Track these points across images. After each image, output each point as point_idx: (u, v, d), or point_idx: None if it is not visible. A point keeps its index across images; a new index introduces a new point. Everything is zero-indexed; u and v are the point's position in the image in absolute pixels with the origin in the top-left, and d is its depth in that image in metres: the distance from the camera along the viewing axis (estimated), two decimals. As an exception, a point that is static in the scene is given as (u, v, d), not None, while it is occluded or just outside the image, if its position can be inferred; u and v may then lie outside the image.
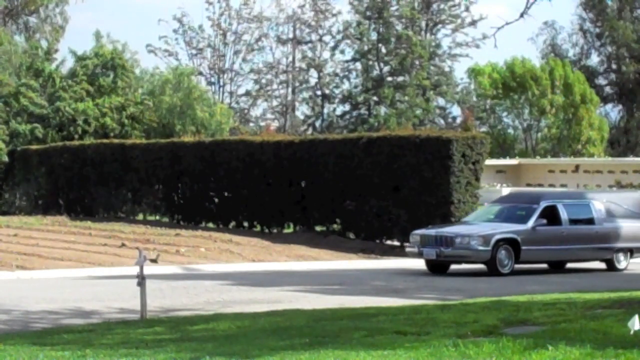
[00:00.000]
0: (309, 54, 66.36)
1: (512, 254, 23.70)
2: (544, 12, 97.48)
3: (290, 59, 66.81)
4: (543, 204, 24.54)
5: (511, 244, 23.71)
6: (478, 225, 24.68)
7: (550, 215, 24.46)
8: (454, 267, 24.53)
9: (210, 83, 65.17)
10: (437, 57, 66.03)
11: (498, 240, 23.56)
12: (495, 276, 23.00)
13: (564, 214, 24.60)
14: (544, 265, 25.38)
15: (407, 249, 25.32)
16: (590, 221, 25.06)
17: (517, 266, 24.03)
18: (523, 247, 23.78)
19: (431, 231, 24.65)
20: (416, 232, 24.88)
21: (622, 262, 25.31)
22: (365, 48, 65.22)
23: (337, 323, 13.38)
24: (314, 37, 66.39)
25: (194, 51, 64.88)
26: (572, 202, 25.31)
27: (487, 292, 19.17)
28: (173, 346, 11.42)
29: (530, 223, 24.12)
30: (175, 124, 48.90)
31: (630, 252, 25.52)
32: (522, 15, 16.87)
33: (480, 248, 23.41)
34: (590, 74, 70.96)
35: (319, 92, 66.77)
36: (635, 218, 25.65)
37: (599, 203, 25.24)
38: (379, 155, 30.87)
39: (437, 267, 24.31)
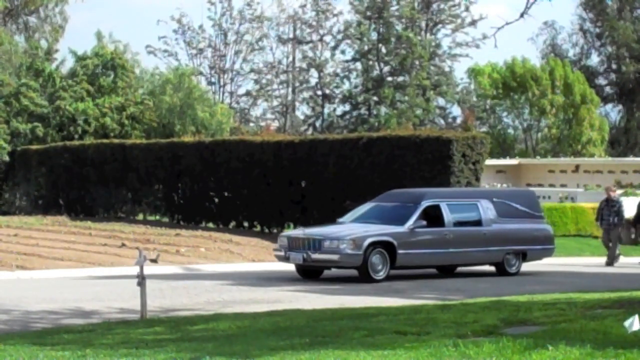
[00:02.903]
0: (310, 54, 66.44)
1: (387, 258, 21.71)
2: (544, 12, 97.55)
3: (291, 58, 66.88)
4: (424, 204, 22.68)
5: (386, 247, 21.73)
6: (351, 227, 22.58)
7: (433, 216, 22.66)
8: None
9: (210, 83, 65.26)
10: (437, 57, 66.06)
11: (371, 244, 21.57)
12: (367, 283, 21.19)
13: (447, 215, 22.79)
14: (432, 270, 23.68)
15: (275, 253, 23.14)
16: (477, 222, 23.31)
17: (426, 271, 22.64)
18: (399, 251, 21.81)
19: (299, 233, 22.87)
20: (284, 234, 23.25)
21: (514, 266, 23.66)
22: (366, 48, 65.25)
23: (337, 323, 13.38)
24: (314, 37, 66.48)
25: (194, 51, 64.93)
26: (457, 202, 23.45)
27: (487, 292, 19.16)
28: (173, 346, 11.42)
29: (409, 224, 22.18)
30: (175, 124, 48.92)
31: (523, 255, 23.87)
32: (522, 15, 16.85)
33: (351, 252, 21.38)
34: (590, 74, 70.98)
35: (319, 92, 66.82)
36: (529, 218, 24.13)
37: (488, 203, 23.52)
38: (379, 155, 30.87)
39: (309, 273, 22.45)
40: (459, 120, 65.21)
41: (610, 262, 27.60)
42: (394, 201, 23.50)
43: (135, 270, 15.89)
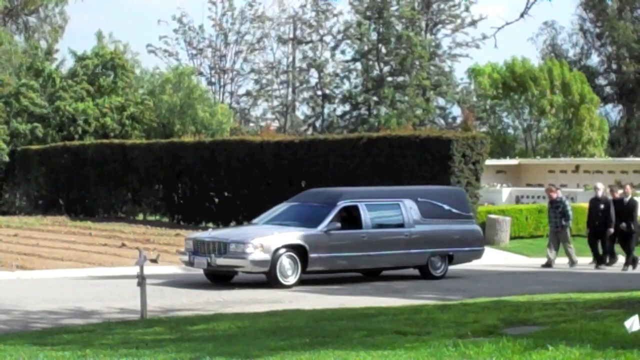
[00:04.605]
0: (310, 54, 66.44)
1: (298, 262, 20.53)
2: (544, 12, 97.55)
3: (291, 59, 66.88)
4: (340, 205, 21.54)
5: (298, 250, 20.57)
6: (261, 229, 21.36)
7: (350, 217, 21.60)
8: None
9: (210, 83, 65.26)
10: (437, 57, 66.07)
11: (280, 247, 20.42)
12: (276, 288, 20.02)
13: (366, 216, 21.61)
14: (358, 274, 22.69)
15: (180, 257, 21.96)
16: (399, 223, 22.17)
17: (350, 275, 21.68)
18: (312, 255, 20.67)
19: (205, 235, 21.63)
20: (190, 236, 22.03)
21: (439, 269, 22.61)
22: (366, 48, 65.26)
23: (337, 323, 13.38)
24: (314, 37, 66.47)
25: (194, 51, 64.94)
26: (378, 202, 22.23)
27: (487, 292, 19.16)
28: (173, 346, 11.42)
29: (322, 226, 21.02)
30: (175, 124, 48.92)
31: (449, 257, 22.79)
32: (522, 15, 16.86)
33: (257, 256, 20.23)
34: (591, 74, 70.97)
35: (319, 92, 66.83)
36: (456, 219, 23.02)
37: (411, 203, 22.36)
38: (379, 155, 30.87)
39: (218, 277, 21.16)
40: (459, 120, 65.19)
41: (572, 263, 26.67)
42: (310, 201, 22.35)
43: (135, 270, 15.89)
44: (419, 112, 63.56)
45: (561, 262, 27.21)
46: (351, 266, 21.87)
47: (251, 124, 66.10)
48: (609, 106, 75.45)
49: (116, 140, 42.10)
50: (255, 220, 22.99)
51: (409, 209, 22.29)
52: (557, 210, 26.63)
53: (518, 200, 40.38)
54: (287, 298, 18.52)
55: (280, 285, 20.24)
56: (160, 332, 13.30)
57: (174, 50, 64.29)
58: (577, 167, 48.56)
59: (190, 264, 21.05)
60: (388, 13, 64.34)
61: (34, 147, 44.13)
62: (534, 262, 27.83)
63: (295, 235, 20.85)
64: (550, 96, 63.28)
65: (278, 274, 20.36)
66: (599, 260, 26.58)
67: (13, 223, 34.50)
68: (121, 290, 19.21)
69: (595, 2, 73.85)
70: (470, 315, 13.71)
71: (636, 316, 10.12)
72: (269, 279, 20.46)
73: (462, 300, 17.39)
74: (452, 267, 23.30)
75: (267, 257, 20.29)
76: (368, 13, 64.77)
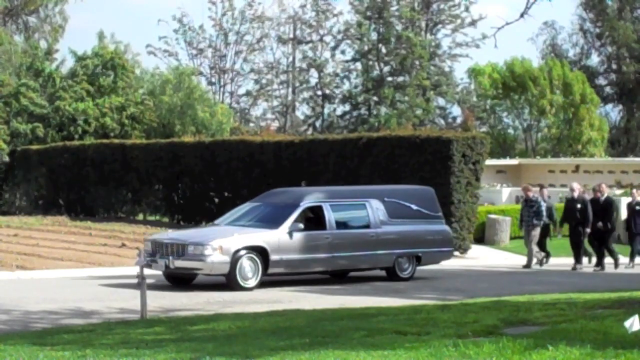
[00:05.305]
0: (310, 54, 66.42)
1: (259, 264, 20.06)
2: (544, 12, 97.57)
3: (291, 59, 66.86)
4: (303, 205, 21.09)
5: (258, 252, 20.11)
6: (221, 230, 20.94)
7: (314, 217, 21.16)
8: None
9: (210, 83, 65.23)
10: (437, 57, 66.04)
11: (240, 249, 19.92)
12: (237, 291, 19.57)
13: (330, 217, 21.10)
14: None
15: (137, 259, 22.52)
16: (365, 224, 21.66)
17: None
18: (273, 257, 20.20)
19: (164, 236, 21.19)
20: (149, 238, 21.52)
21: (406, 270, 22.11)
22: (366, 48, 65.24)
23: (338, 323, 13.38)
24: (314, 37, 66.47)
25: (194, 51, 64.93)
26: (343, 203, 21.73)
27: (487, 292, 19.17)
28: (173, 346, 11.42)
29: (284, 227, 20.50)
30: (175, 124, 48.91)
31: (417, 258, 22.29)
32: (522, 15, 16.86)
33: (216, 258, 19.70)
34: (591, 74, 70.95)
35: (319, 92, 66.81)
36: (425, 219, 22.52)
37: (378, 203, 21.85)
38: (379, 156, 30.87)
39: (178, 279, 20.69)
40: (459, 120, 65.18)
41: (528, 265, 26.30)
42: (273, 201, 21.86)
43: (135, 270, 15.89)
44: (419, 112, 63.54)
45: (561, 262, 27.20)
46: (315, 268, 21.31)
47: (251, 124, 66.08)
48: (609, 106, 75.47)
49: (116, 140, 42.11)
50: (217, 221, 22.62)
51: (376, 209, 21.78)
52: (531, 209, 26.65)
53: (518, 200, 40.32)
54: (287, 298, 18.53)
55: (240, 288, 19.74)
56: (160, 332, 13.31)
57: (174, 50, 64.32)
58: (577, 167, 48.52)
59: (148, 266, 19.91)
60: (388, 13, 64.32)
61: (34, 147, 44.14)
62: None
63: (256, 236, 20.35)
64: (550, 96, 63.27)
65: (238, 277, 19.86)
66: (577, 261, 26.42)
67: (13, 223, 34.52)
68: (121, 290, 19.23)
69: (595, 2, 73.82)
70: (470, 315, 13.71)
71: (636, 316, 10.12)
72: (229, 282, 19.97)
73: (462, 300, 17.39)
74: (453, 267, 23.29)
75: (226, 259, 19.77)
76: (368, 13, 64.75)
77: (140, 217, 38.47)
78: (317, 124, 66.79)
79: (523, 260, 27.13)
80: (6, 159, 44.51)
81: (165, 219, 37.39)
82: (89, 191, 39.94)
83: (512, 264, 27.81)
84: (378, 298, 18.30)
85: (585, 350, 10.03)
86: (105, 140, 42.42)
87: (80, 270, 23.75)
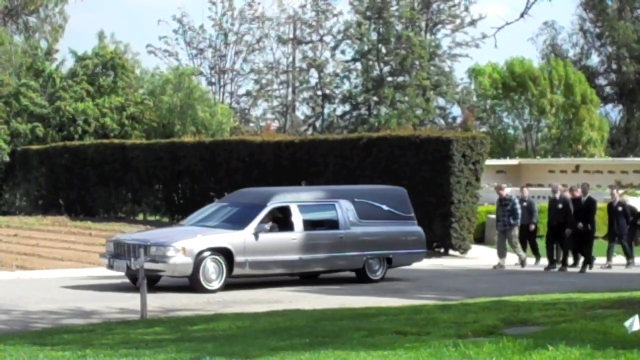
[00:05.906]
0: (310, 54, 66.41)
1: (224, 266, 19.68)
2: (544, 12, 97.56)
3: (291, 59, 66.85)
4: (270, 205, 20.75)
5: (222, 253, 19.73)
6: (185, 231, 20.67)
7: (282, 218, 20.82)
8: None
9: (210, 83, 65.20)
10: (437, 57, 66.05)
11: (204, 250, 19.55)
12: (200, 293, 19.25)
13: (298, 217, 20.74)
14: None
15: (101, 260, 20.92)
16: (333, 225, 21.24)
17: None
18: (238, 258, 19.82)
19: (126, 237, 20.94)
20: (111, 239, 21.12)
21: (377, 272, 21.73)
22: (366, 48, 65.24)
23: (338, 323, 13.38)
24: (314, 37, 66.46)
25: (194, 51, 64.93)
26: (311, 203, 21.37)
27: (487, 292, 19.17)
28: (173, 346, 11.42)
29: (250, 228, 20.14)
30: (175, 124, 48.90)
31: (388, 260, 21.89)
32: (522, 15, 16.86)
33: (179, 260, 19.33)
34: (591, 74, 70.98)
35: (319, 92, 66.80)
36: (396, 220, 22.15)
37: (347, 203, 21.46)
38: (379, 156, 30.86)
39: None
40: (459, 120, 65.20)
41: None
42: (240, 202, 21.49)
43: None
44: (419, 112, 63.55)
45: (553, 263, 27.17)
46: (281, 269, 20.94)
47: (251, 124, 66.07)
48: (609, 106, 75.50)
49: (116, 140, 42.09)
50: (182, 222, 22.11)
51: (345, 210, 21.39)
52: (505, 208, 26.57)
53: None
54: (287, 298, 18.53)
55: (204, 290, 19.41)
56: (160, 332, 13.31)
57: (174, 50, 64.31)
58: (577, 167, 48.56)
59: (110, 267, 20.14)
60: (388, 13, 64.32)
61: (34, 147, 44.11)
62: (534, 262, 27.81)
63: (220, 237, 19.97)
64: (550, 96, 63.27)
65: (201, 279, 19.51)
66: (550, 262, 26.29)
67: (13, 223, 34.50)
68: (121, 290, 19.23)
69: (595, 2, 73.84)
70: (470, 315, 13.71)
71: (636, 316, 10.13)
72: (192, 283, 19.65)
73: (462, 300, 17.40)
74: (453, 267, 23.25)
75: (189, 260, 19.38)
76: (368, 13, 64.75)
77: (140, 217, 38.46)
78: (317, 124, 66.79)
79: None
80: (6, 159, 44.49)
81: (165, 219, 37.37)
82: (89, 191, 39.92)
83: (512, 263, 27.81)
84: (378, 298, 18.30)
85: (585, 350, 10.03)
86: (105, 140, 42.39)
87: (80, 270, 23.75)
